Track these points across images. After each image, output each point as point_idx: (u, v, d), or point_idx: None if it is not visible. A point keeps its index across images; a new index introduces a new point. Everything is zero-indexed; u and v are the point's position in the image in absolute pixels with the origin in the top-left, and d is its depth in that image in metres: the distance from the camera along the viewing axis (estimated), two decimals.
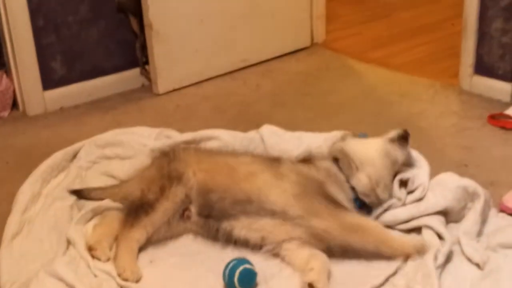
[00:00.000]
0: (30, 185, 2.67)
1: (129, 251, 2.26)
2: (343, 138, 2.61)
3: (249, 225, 2.29)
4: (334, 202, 2.28)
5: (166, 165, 2.44)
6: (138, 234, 2.29)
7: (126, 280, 2.15)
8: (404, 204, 2.44)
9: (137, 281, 2.17)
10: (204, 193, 2.37)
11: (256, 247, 2.30)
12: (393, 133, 2.51)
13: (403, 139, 2.50)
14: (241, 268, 2.12)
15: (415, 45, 4.51)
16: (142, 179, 2.46)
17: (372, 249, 2.22)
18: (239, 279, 2.10)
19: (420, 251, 2.21)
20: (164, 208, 2.33)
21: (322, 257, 2.20)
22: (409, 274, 2.16)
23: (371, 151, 2.44)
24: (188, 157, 2.48)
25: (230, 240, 2.32)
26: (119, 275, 2.17)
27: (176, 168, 2.41)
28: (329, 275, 2.16)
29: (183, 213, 2.38)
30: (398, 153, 2.46)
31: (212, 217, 2.34)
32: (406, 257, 2.21)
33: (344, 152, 2.44)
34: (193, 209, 2.38)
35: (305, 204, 2.27)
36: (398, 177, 2.47)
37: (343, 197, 2.35)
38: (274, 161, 2.49)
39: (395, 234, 2.30)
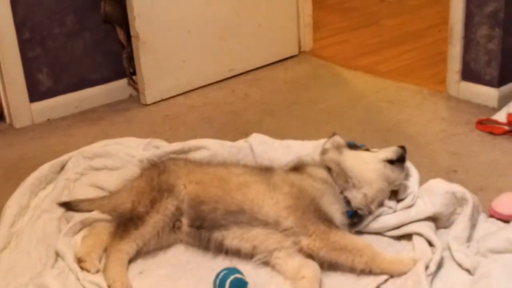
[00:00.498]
0: (17, 197, 2.65)
1: (119, 262, 2.24)
2: (338, 147, 2.53)
3: (241, 235, 2.28)
4: (325, 218, 2.25)
5: (156, 177, 2.42)
6: (128, 246, 2.27)
7: None
8: (394, 212, 2.44)
9: None
10: (195, 205, 2.35)
11: (247, 256, 2.29)
12: (392, 153, 2.45)
13: (402, 160, 2.46)
14: (231, 277, 2.11)
15: (402, 52, 4.53)
16: (131, 190, 2.44)
17: (362, 268, 2.19)
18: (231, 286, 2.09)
19: (410, 268, 2.18)
20: (154, 222, 2.31)
21: (313, 265, 2.19)
22: (399, 281, 2.16)
23: (370, 173, 2.39)
24: (178, 169, 2.46)
25: (221, 250, 2.31)
26: (109, 286, 2.15)
27: (166, 180, 2.40)
28: (320, 284, 2.15)
29: (173, 224, 2.37)
30: (396, 175, 2.43)
31: (203, 227, 2.33)
32: (397, 275, 2.18)
33: (341, 167, 2.41)
34: (184, 220, 2.36)
35: (296, 217, 2.25)
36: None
37: (336, 208, 2.32)
38: (266, 171, 2.47)
39: (385, 254, 2.24)
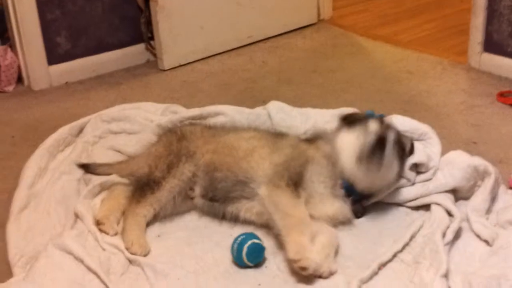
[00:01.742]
0: (36, 159, 2.66)
1: (137, 226, 2.25)
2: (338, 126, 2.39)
3: (251, 209, 2.28)
4: (296, 180, 2.18)
5: (175, 142, 2.43)
6: (145, 210, 2.29)
7: (134, 254, 2.15)
8: (413, 184, 2.42)
9: (146, 255, 2.17)
10: (210, 172, 2.35)
11: (264, 227, 2.28)
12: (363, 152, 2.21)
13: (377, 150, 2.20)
14: (249, 242, 2.12)
15: (423, 22, 4.48)
16: (149, 155, 2.44)
17: (277, 232, 2.13)
18: (248, 254, 2.10)
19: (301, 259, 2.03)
20: (170, 186, 2.32)
21: (330, 232, 2.19)
22: (416, 250, 2.16)
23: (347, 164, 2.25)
24: (196, 138, 2.45)
25: (237, 221, 2.31)
26: (127, 248, 2.17)
27: (186, 146, 2.40)
28: (337, 250, 2.16)
29: (186, 192, 2.37)
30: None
31: (216, 200, 2.33)
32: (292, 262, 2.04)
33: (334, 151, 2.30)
34: (197, 189, 2.37)
35: (275, 171, 2.22)
36: (413, 160, 2.40)
37: (322, 180, 2.24)
38: (278, 136, 2.47)
39: (302, 239, 2.06)
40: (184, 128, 2.56)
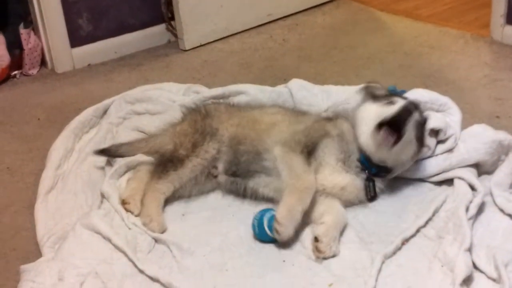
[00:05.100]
0: (62, 140, 2.71)
1: (156, 202, 2.28)
2: (366, 93, 2.36)
3: (269, 184, 2.29)
4: (310, 149, 2.23)
5: (200, 120, 2.45)
6: (165, 187, 2.31)
7: (152, 230, 2.18)
8: (433, 153, 2.40)
9: (162, 232, 2.20)
10: (234, 145, 2.37)
11: None
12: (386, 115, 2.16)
13: (398, 123, 2.15)
14: (268, 215, 2.16)
15: None
16: (174, 133, 2.46)
17: (278, 172, 2.21)
18: (269, 224, 2.13)
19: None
20: (193, 165, 2.35)
21: (337, 212, 2.19)
22: (439, 224, 2.17)
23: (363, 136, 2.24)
24: (220, 114, 2.48)
25: (258, 198, 2.33)
26: (144, 224, 2.21)
27: (210, 123, 2.42)
28: (341, 230, 2.16)
29: (209, 171, 2.39)
30: (386, 143, 2.17)
31: (238, 175, 2.35)
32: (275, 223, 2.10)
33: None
34: (220, 166, 2.39)
35: (293, 136, 2.26)
36: (430, 126, 2.37)
37: (333, 153, 2.26)
38: (300, 113, 2.49)
39: (296, 208, 2.10)
40: (209, 106, 2.59)
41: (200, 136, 2.38)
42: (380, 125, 2.16)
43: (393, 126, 2.14)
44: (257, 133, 2.37)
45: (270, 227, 2.12)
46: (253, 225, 2.17)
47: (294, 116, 2.45)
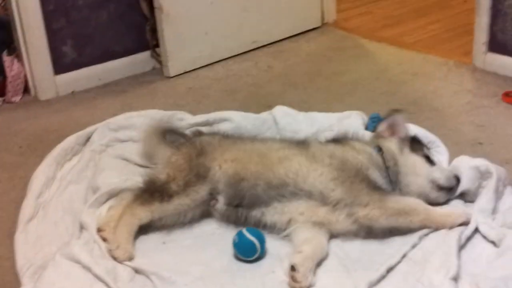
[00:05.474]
0: (44, 169, 2.68)
1: (129, 227, 2.23)
2: (401, 144, 2.46)
3: (282, 209, 2.27)
4: (375, 186, 2.25)
5: (195, 158, 2.39)
6: (144, 214, 2.27)
7: (116, 257, 2.14)
8: None
9: (129, 260, 2.16)
10: (235, 182, 2.33)
11: (281, 230, 2.28)
12: (444, 180, 2.37)
13: (451, 189, 2.40)
14: (245, 228, 2.20)
15: (427, 23, 4.47)
16: (168, 163, 2.42)
17: (418, 227, 2.23)
18: (248, 230, 2.16)
19: (462, 219, 2.22)
20: (179, 203, 2.30)
21: (317, 243, 2.17)
22: (429, 249, 2.15)
23: (415, 185, 2.36)
24: (213, 149, 2.43)
25: (258, 226, 2.29)
26: (109, 251, 2.17)
27: (203, 163, 2.37)
28: (318, 262, 2.13)
29: (209, 202, 2.36)
30: (436, 198, 2.37)
31: (242, 205, 2.32)
32: (448, 227, 2.22)
33: (396, 165, 2.38)
34: (221, 199, 2.35)
35: (345, 189, 2.24)
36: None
37: (383, 182, 2.32)
38: (301, 144, 2.46)
39: (436, 209, 2.28)
40: (203, 140, 2.52)
41: (194, 177, 2.33)
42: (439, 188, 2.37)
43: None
44: (266, 166, 2.33)
45: (250, 231, 2.15)
46: (234, 242, 2.17)
47: (300, 147, 2.42)
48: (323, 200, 2.25)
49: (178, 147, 2.51)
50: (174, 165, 2.39)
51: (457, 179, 2.39)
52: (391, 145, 2.43)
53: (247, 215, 2.30)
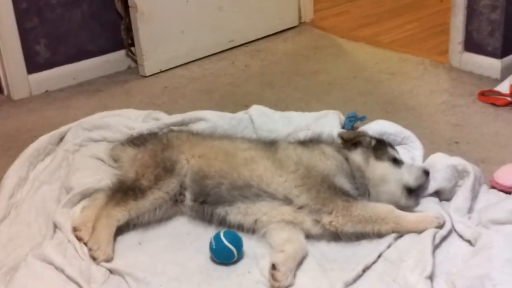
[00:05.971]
0: (16, 169, 2.63)
1: (108, 229, 2.21)
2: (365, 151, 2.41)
3: (245, 210, 2.26)
4: (342, 193, 2.22)
5: (160, 153, 2.39)
6: (121, 214, 2.24)
7: (96, 258, 2.12)
8: None
9: (107, 261, 2.13)
10: (199, 179, 2.32)
11: (249, 230, 2.27)
12: (413, 181, 2.33)
13: (420, 188, 2.39)
14: (223, 230, 2.17)
15: (404, 23, 4.49)
16: (134, 162, 2.40)
17: (389, 233, 2.20)
18: (225, 235, 2.14)
19: (434, 224, 2.20)
20: (154, 198, 2.29)
21: (298, 243, 2.17)
22: (403, 248, 2.15)
23: (384, 194, 2.33)
24: (181, 143, 2.42)
25: (224, 225, 2.29)
26: (90, 250, 2.14)
27: (169, 157, 2.36)
28: (299, 262, 2.12)
29: (176, 198, 2.34)
30: (408, 203, 2.34)
31: (207, 202, 2.30)
32: (422, 231, 2.19)
33: (362, 175, 2.34)
34: (188, 195, 2.34)
35: (311, 196, 2.22)
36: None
37: (351, 187, 2.29)
38: (270, 146, 2.43)
39: (408, 215, 2.23)
40: (170, 134, 2.53)
41: (162, 171, 2.32)
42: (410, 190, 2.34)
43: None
44: (232, 167, 2.32)
45: (226, 236, 2.13)
46: (211, 244, 2.15)
47: (268, 150, 2.39)
48: (288, 202, 2.25)
49: (144, 145, 2.49)
50: (140, 162, 2.38)
51: (426, 174, 2.37)
52: (355, 156, 2.38)
53: (212, 213, 2.29)
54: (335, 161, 2.34)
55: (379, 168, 2.35)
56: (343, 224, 2.19)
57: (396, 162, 2.38)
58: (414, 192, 2.36)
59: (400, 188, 2.33)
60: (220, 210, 2.29)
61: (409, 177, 2.34)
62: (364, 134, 2.44)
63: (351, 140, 2.41)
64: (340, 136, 2.45)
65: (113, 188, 2.33)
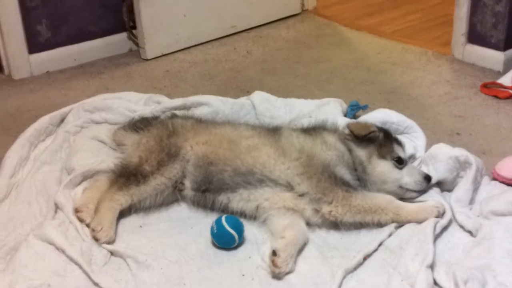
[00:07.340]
0: (17, 149, 2.62)
1: (112, 212, 2.21)
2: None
3: (248, 196, 2.26)
4: (342, 183, 2.22)
5: (166, 138, 2.38)
6: (123, 199, 2.25)
7: (98, 239, 2.12)
8: None
9: (109, 243, 2.13)
10: (203, 165, 2.32)
11: (251, 217, 2.27)
12: (414, 185, 2.33)
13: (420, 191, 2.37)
14: (225, 215, 2.17)
15: (407, 13, 4.48)
16: (139, 146, 2.40)
17: (389, 223, 2.21)
18: (227, 220, 2.13)
19: (435, 214, 2.20)
20: (156, 183, 2.29)
21: (299, 229, 2.17)
22: (404, 237, 2.15)
23: (384, 190, 2.32)
24: (186, 131, 2.42)
25: (226, 212, 2.28)
26: (93, 231, 2.14)
27: (175, 142, 2.36)
28: (300, 248, 2.12)
29: (175, 186, 2.34)
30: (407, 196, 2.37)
31: (209, 190, 2.30)
32: (422, 221, 2.19)
33: (364, 170, 2.34)
34: (188, 183, 2.33)
35: (311, 184, 2.23)
36: (408, 155, 2.49)
37: (352, 178, 2.30)
38: (273, 133, 2.42)
39: (407, 205, 2.24)
40: (175, 121, 2.51)
41: (166, 156, 2.32)
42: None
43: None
44: (235, 154, 2.31)
45: (228, 221, 2.13)
46: (212, 230, 2.15)
47: (271, 137, 2.38)
48: (290, 188, 2.25)
49: (148, 129, 2.48)
50: (145, 147, 2.38)
51: (427, 180, 2.35)
52: (359, 152, 2.37)
53: (214, 200, 2.29)
54: (336, 151, 2.33)
55: (380, 167, 2.35)
56: (343, 214, 2.19)
57: (400, 161, 2.37)
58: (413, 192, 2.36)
59: (398, 188, 2.34)
60: (223, 197, 2.28)
61: (409, 180, 2.34)
62: (374, 130, 2.40)
63: (363, 137, 2.38)
64: (350, 128, 2.42)
65: (116, 172, 2.33)
